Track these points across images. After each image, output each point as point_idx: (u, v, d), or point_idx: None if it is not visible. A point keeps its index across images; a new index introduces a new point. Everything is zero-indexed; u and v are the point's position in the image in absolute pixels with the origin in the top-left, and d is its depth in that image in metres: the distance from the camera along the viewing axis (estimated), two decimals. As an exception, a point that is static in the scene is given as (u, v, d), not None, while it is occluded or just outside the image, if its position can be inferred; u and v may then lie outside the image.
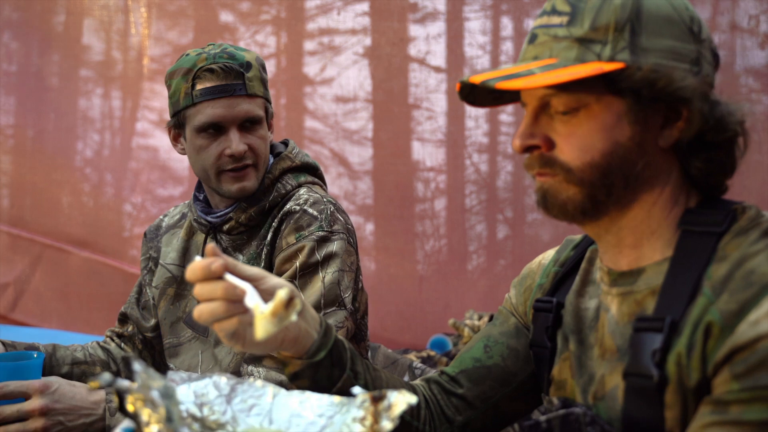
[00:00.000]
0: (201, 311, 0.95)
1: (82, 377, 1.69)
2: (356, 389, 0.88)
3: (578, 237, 1.21)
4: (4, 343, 1.61)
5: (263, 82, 1.67)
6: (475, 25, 3.35)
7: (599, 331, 1.05)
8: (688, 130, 0.97)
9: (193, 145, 1.65)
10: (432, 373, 1.27)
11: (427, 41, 3.36)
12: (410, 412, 1.15)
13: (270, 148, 1.71)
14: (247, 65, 1.63)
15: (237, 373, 1.60)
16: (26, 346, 1.64)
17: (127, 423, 0.85)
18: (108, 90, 3.76)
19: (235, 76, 1.60)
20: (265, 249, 1.64)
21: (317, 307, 1.53)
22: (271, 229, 1.64)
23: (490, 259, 3.39)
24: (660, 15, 0.97)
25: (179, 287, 1.77)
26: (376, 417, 0.84)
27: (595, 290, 1.09)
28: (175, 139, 1.71)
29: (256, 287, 0.97)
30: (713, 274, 0.93)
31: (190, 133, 1.64)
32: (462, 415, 1.19)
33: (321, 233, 1.58)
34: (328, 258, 1.57)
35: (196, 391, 0.92)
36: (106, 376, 0.79)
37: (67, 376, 1.66)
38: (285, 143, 1.78)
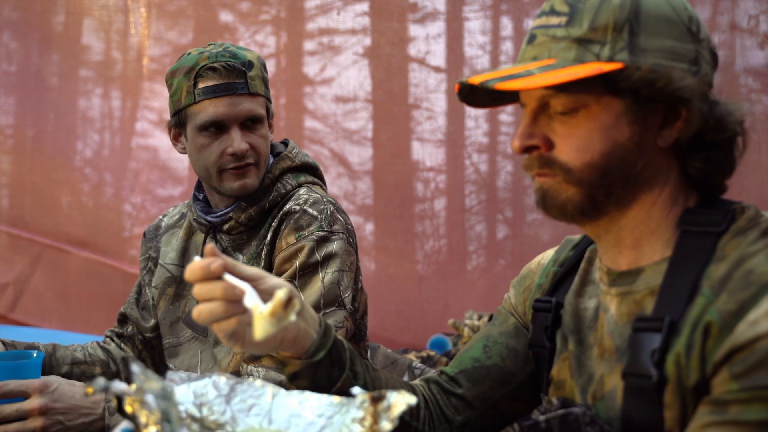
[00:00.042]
0: (200, 311, 0.95)
1: (82, 377, 1.69)
2: (356, 389, 0.88)
3: (577, 237, 1.21)
4: (3, 343, 1.61)
5: (265, 82, 1.67)
6: (475, 25, 3.35)
7: (598, 331, 1.05)
8: (687, 130, 0.97)
9: (194, 144, 1.64)
10: (431, 373, 1.27)
11: (427, 41, 3.36)
12: (409, 412, 1.15)
13: (270, 148, 1.72)
14: (249, 64, 1.63)
15: (236, 372, 1.60)
16: (26, 345, 1.64)
17: (125, 424, 0.86)
18: (108, 90, 3.76)
19: (237, 75, 1.61)
20: (264, 249, 1.64)
21: (317, 307, 1.53)
22: (271, 229, 1.64)
23: (489, 259, 3.39)
24: (659, 15, 0.97)
25: (179, 287, 1.77)
26: (376, 417, 0.84)
27: (594, 290, 1.09)
28: (176, 139, 1.71)
29: (255, 287, 0.97)
30: (712, 274, 0.93)
31: (191, 131, 1.64)
32: (461, 415, 1.19)
33: (321, 233, 1.58)
34: (328, 258, 1.57)
35: (195, 391, 0.92)
36: (101, 381, 0.80)
37: (67, 376, 1.66)
38: (285, 143, 1.78)
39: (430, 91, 3.36)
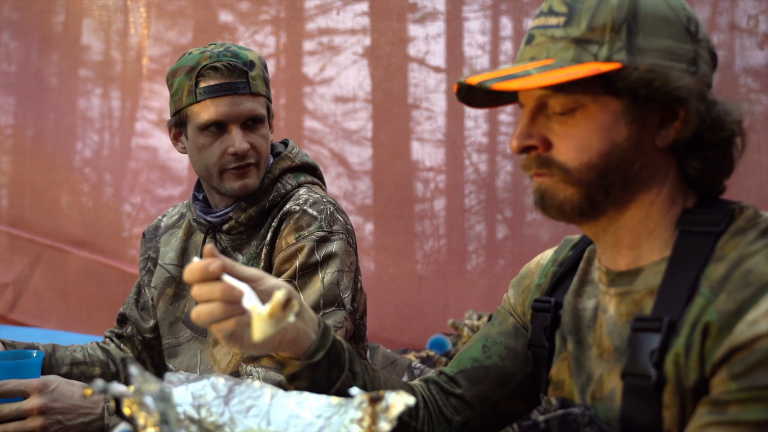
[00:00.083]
0: (199, 312, 0.95)
1: (81, 378, 1.69)
2: (354, 390, 0.88)
3: (577, 237, 1.21)
4: (3, 343, 1.61)
5: (266, 82, 1.67)
6: (475, 25, 3.35)
7: (597, 331, 1.05)
8: (685, 130, 0.97)
9: (195, 144, 1.64)
10: (430, 373, 1.27)
11: (427, 41, 3.36)
12: (409, 413, 1.15)
13: (270, 148, 1.72)
14: (251, 64, 1.63)
15: (236, 373, 1.60)
16: (26, 346, 1.64)
17: (124, 426, 0.86)
18: (107, 90, 3.76)
19: (238, 75, 1.61)
20: (264, 249, 1.64)
21: (316, 307, 1.53)
22: (271, 229, 1.64)
23: (489, 259, 3.39)
24: (657, 15, 0.97)
25: (178, 287, 1.77)
26: (374, 418, 0.84)
27: (593, 290, 1.09)
28: (176, 138, 1.71)
29: (254, 288, 0.97)
30: (711, 274, 0.93)
31: (192, 131, 1.64)
32: (460, 416, 1.19)
33: (320, 233, 1.58)
34: (328, 258, 1.57)
35: (193, 392, 0.92)
36: (99, 383, 0.80)
37: (66, 376, 1.66)
38: (285, 143, 1.78)
39: (430, 91, 3.36)
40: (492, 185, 3.38)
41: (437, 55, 3.38)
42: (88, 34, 3.71)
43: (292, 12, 3.51)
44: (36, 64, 3.74)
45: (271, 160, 1.72)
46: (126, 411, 0.79)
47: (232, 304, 0.94)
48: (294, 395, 0.93)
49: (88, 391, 0.81)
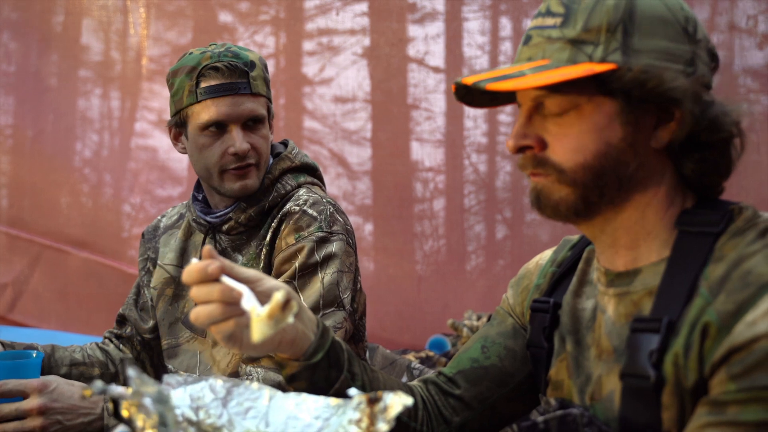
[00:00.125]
0: (198, 314, 0.95)
1: (81, 378, 1.69)
2: (352, 391, 0.88)
3: (576, 237, 1.21)
4: (2, 344, 1.61)
5: (266, 82, 1.67)
6: (474, 26, 3.35)
7: (596, 332, 1.05)
8: (680, 132, 0.97)
9: (195, 144, 1.64)
10: (430, 373, 1.27)
11: (426, 41, 3.36)
12: (407, 413, 1.15)
13: (270, 148, 1.72)
14: (251, 64, 1.63)
15: (235, 373, 1.60)
16: (25, 346, 1.64)
17: (122, 428, 0.86)
18: (107, 90, 3.76)
19: (239, 75, 1.61)
20: (264, 249, 1.64)
21: (316, 308, 1.53)
22: (271, 230, 1.64)
23: (488, 260, 3.39)
24: (654, 15, 0.97)
25: (177, 288, 1.77)
26: (372, 419, 0.84)
27: (592, 291, 1.09)
28: (176, 138, 1.71)
29: (253, 289, 0.97)
30: (710, 275, 0.93)
31: (192, 131, 1.64)
32: (459, 416, 1.19)
33: (320, 234, 1.58)
34: (327, 259, 1.57)
35: (191, 394, 0.91)
36: (99, 384, 0.80)
37: (66, 377, 1.65)
38: (284, 143, 1.78)
39: (429, 92, 3.36)
40: (491, 185, 3.38)
41: (437, 56, 3.38)
42: (87, 34, 3.71)
43: (292, 12, 3.51)
44: (35, 64, 3.74)
45: (271, 160, 1.72)
46: (124, 413, 0.79)
47: (231, 305, 0.94)
48: (292, 396, 0.93)
49: (88, 393, 0.81)
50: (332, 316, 1.55)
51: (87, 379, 1.70)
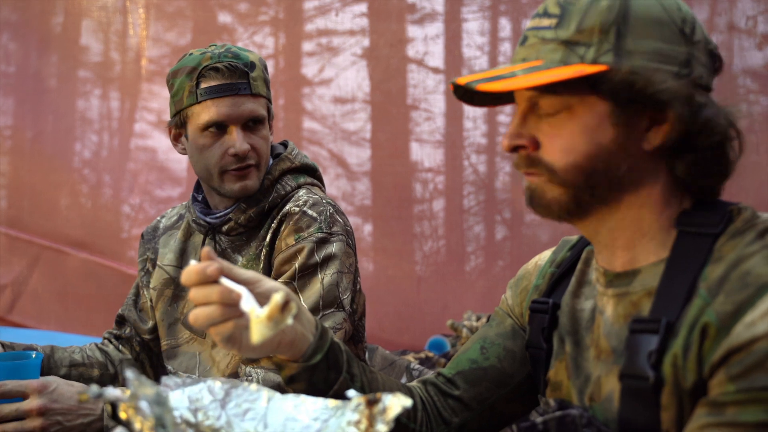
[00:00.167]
0: (197, 315, 0.95)
1: (80, 379, 1.69)
2: (351, 392, 0.88)
3: (574, 238, 1.21)
4: (2, 344, 1.61)
5: (266, 83, 1.67)
6: (473, 26, 3.35)
7: (595, 333, 1.05)
8: (672, 134, 0.97)
9: (195, 144, 1.64)
10: (429, 374, 1.27)
11: (425, 42, 3.36)
12: (407, 414, 1.15)
13: (270, 149, 1.71)
14: (252, 65, 1.63)
15: (235, 374, 1.60)
16: (24, 347, 1.64)
17: (120, 430, 0.86)
18: (106, 91, 3.76)
19: (240, 76, 1.61)
20: (264, 250, 1.64)
21: (316, 309, 1.53)
22: (270, 230, 1.64)
23: (488, 260, 3.39)
24: (648, 17, 0.97)
25: (177, 288, 1.77)
26: (371, 420, 0.84)
27: (590, 291, 1.09)
28: (176, 139, 1.71)
29: (252, 291, 0.96)
30: (709, 276, 0.93)
31: (192, 131, 1.64)
32: (458, 417, 1.19)
33: (320, 235, 1.58)
34: (327, 259, 1.57)
35: (190, 396, 0.91)
36: (94, 389, 0.80)
37: (65, 377, 1.65)
38: (284, 144, 1.78)
39: (429, 92, 3.36)
40: (491, 186, 3.38)
41: (436, 56, 3.38)
42: (87, 35, 3.71)
43: (291, 13, 3.51)
44: (35, 65, 3.74)
45: (271, 161, 1.72)
46: (122, 416, 0.79)
47: (230, 306, 0.94)
48: (291, 398, 0.93)
49: (84, 397, 0.81)
50: (332, 317, 1.55)
51: (86, 379, 1.70)
